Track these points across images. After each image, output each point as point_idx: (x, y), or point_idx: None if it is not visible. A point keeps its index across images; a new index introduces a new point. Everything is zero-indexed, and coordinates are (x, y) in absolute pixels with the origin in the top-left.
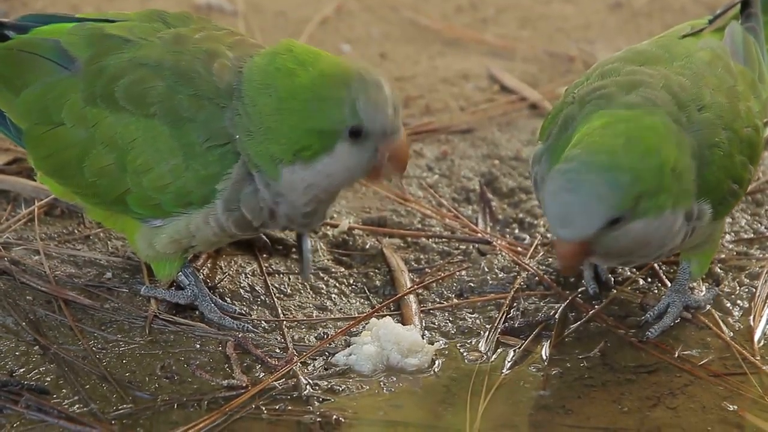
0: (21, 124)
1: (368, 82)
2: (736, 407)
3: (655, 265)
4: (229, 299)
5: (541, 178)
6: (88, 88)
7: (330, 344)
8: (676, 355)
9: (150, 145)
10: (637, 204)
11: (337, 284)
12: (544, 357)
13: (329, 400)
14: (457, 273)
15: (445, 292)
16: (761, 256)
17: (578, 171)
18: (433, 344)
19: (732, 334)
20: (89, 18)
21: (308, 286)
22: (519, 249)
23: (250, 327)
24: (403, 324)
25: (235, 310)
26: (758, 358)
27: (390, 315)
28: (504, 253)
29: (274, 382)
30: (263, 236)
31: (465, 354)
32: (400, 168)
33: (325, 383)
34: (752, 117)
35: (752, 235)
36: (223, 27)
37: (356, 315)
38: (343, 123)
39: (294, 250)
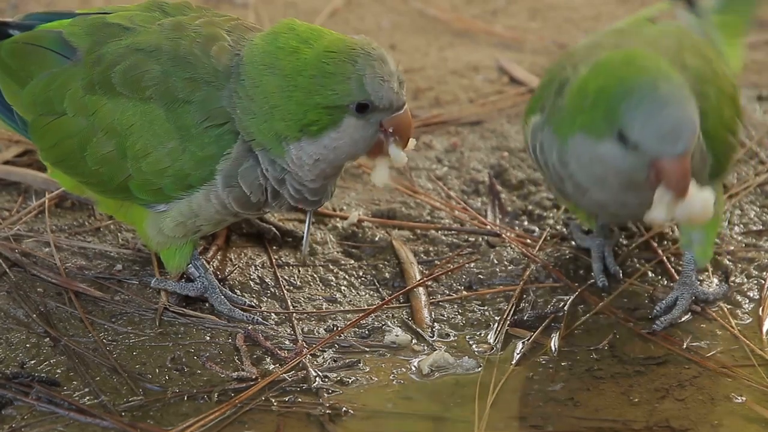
0: (26, 116)
1: (373, 57)
2: (744, 399)
3: (664, 257)
4: (239, 291)
5: (549, 146)
6: (87, 76)
7: (340, 336)
8: (685, 347)
9: (147, 130)
10: None
11: (347, 276)
12: (553, 349)
13: (339, 392)
14: (467, 265)
15: (454, 285)
16: None
17: (672, 88)
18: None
19: (740, 326)
20: (90, 12)
21: (318, 278)
22: (528, 241)
23: (260, 319)
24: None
25: (245, 302)
26: (767, 349)
27: (400, 307)
28: (513, 245)
29: (284, 374)
30: (273, 228)
31: (474, 346)
32: (403, 141)
33: (335, 375)
34: (731, 77)
35: (761, 227)
36: (223, 14)
37: (366, 307)
38: (349, 98)
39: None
